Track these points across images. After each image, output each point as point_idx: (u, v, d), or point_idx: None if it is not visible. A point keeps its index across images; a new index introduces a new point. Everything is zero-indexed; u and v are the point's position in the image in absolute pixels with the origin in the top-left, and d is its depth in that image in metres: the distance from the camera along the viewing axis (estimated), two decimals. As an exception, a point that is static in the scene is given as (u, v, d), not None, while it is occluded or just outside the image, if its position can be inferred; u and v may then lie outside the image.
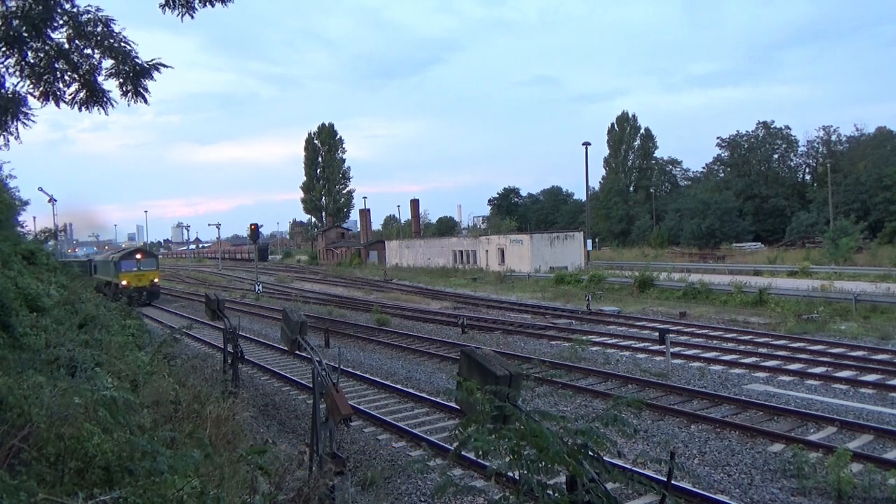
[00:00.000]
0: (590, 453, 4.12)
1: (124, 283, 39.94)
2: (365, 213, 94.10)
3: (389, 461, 10.75)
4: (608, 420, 4.29)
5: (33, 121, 8.02)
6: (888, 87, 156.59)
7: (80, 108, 7.95)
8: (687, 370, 16.58)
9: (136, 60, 7.66)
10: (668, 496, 4.25)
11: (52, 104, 7.90)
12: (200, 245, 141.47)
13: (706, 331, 22.36)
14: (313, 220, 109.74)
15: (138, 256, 42.75)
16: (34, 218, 60.35)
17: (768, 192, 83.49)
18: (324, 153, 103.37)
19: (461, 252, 62.17)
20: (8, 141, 8.07)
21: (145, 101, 7.86)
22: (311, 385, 11.34)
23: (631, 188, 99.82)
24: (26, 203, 32.25)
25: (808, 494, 8.90)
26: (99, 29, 7.49)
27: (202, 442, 6.45)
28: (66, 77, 7.75)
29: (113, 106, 7.95)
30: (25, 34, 7.25)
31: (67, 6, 7.43)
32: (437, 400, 13.99)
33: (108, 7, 7.49)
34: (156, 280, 42.44)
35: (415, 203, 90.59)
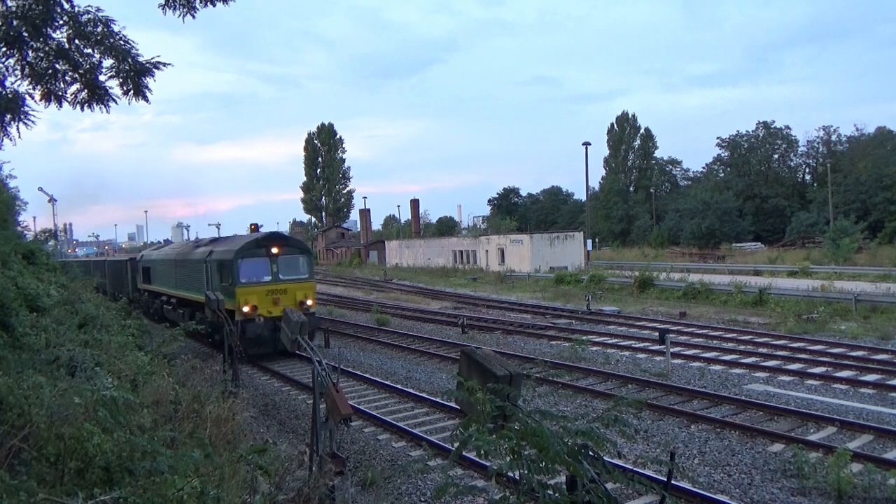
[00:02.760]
0: (590, 453, 4.12)
1: (247, 309, 19.26)
2: (365, 213, 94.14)
3: (389, 461, 10.75)
4: (609, 421, 4.29)
5: (33, 122, 8.03)
6: (888, 87, 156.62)
7: (82, 108, 7.95)
8: (687, 370, 16.58)
9: (137, 59, 7.66)
10: (668, 496, 4.26)
11: (53, 104, 7.90)
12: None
13: (706, 331, 22.36)
14: (313, 220, 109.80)
15: (274, 251, 20.03)
16: (34, 218, 59.96)
17: (768, 192, 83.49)
18: (324, 153, 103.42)
19: (461, 252, 62.17)
20: (11, 138, 8.06)
21: (146, 99, 7.87)
22: (311, 385, 11.34)
23: (631, 188, 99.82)
24: (17, 198, 30.84)
25: (808, 494, 8.90)
26: (99, 29, 7.49)
27: (202, 442, 6.45)
28: (68, 77, 7.75)
29: (116, 103, 7.96)
30: (25, 34, 7.25)
31: (67, 6, 7.43)
32: (438, 400, 13.99)
33: (108, 7, 7.50)
34: (310, 302, 20.09)
35: (415, 203, 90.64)
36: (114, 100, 7.92)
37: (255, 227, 28.48)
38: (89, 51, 7.66)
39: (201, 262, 21.77)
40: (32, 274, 15.51)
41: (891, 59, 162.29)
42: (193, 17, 7.81)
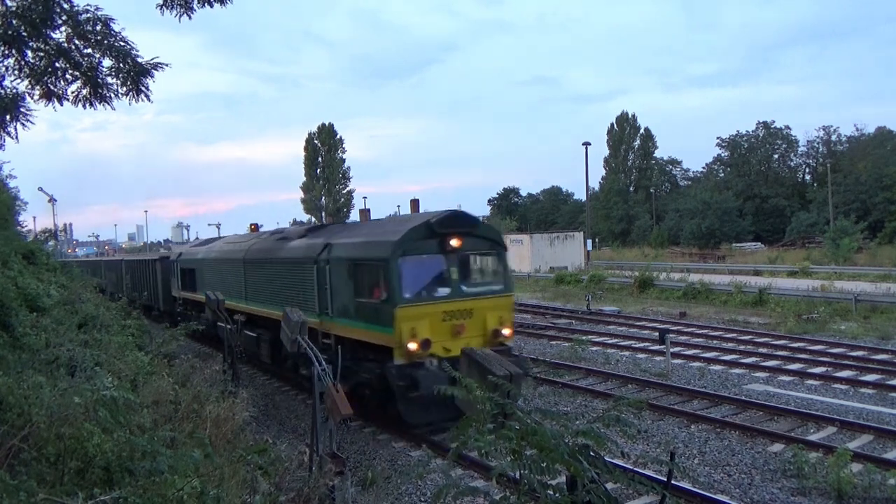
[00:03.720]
0: (590, 453, 4.12)
1: (415, 346, 10.80)
2: (365, 213, 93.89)
3: (389, 461, 10.75)
4: (610, 421, 4.30)
5: (31, 122, 8.02)
6: (888, 87, 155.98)
7: (84, 106, 7.95)
8: (687, 370, 16.58)
9: (136, 59, 7.66)
10: (668, 496, 4.26)
11: (53, 103, 7.90)
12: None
13: (706, 331, 22.35)
14: (313, 220, 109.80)
15: (454, 244, 11.61)
16: (34, 218, 59.86)
17: (768, 192, 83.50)
18: (324, 153, 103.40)
19: (461, 252, 61.93)
20: (6, 140, 8.07)
21: (148, 98, 7.86)
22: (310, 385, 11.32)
23: (631, 188, 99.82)
24: (17, 198, 29.48)
25: (808, 494, 8.90)
26: (98, 28, 7.49)
27: (202, 442, 6.45)
28: (68, 75, 7.75)
29: (119, 98, 7.95)
30: (25, 34, 7.25)
31: (66, 6, 7.42)
32: (437, 400, 13.92)
33: (107, 7, 7.49)
34: (506, 332, 12.25)
35: (415, 203, 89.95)
36: (117, 95, 7.91)
37: (255, 227, 25.48)
38: (89, 51, 7.66)
39: (307, 262, 13.78)
40: (32, 274, 15.52)
41: (891, 59, 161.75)
42: (190, 17, 7.81)
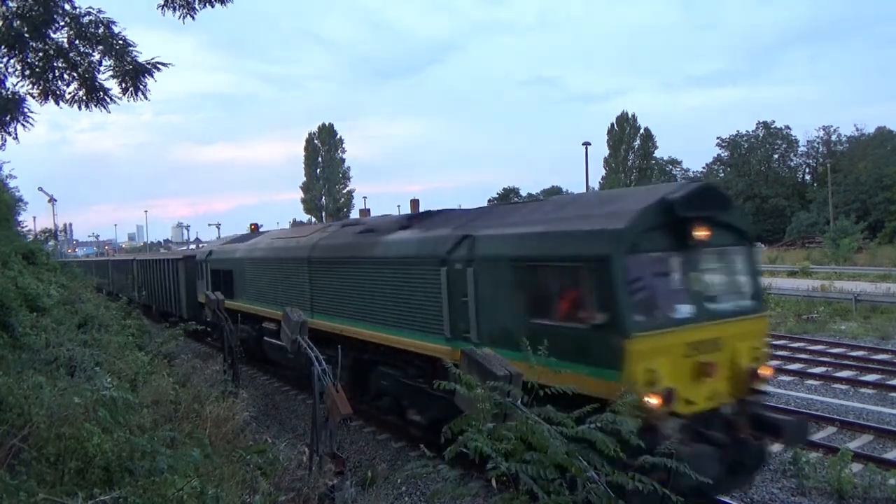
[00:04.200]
0: (590, 453, 4.13)
1: (656, 400, 6.52)
2: (365, 214, 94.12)
3: (389, 461, 10.75)
4: (608, 421, 4.30)
5: (32, 123, 8.04)
6: (888, 87, 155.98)
7: (80, 107, 7.96)
8: (687, 370, 16.56)
9: (137, 60, 7.67)
10: (668, 495, 4.26)
11: (51, 104, 7.92)
12: (200, 245, 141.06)
13: (706, 331, 22.31)
14: (313, 220, 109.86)
15: (699, 234, 7.33)
16: (34, 218, 59.80)
17: (768, 192, 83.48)
18: (324, 153, 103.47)
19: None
20: (5, 141, 8.08)
21: (146, 97, 7.87)
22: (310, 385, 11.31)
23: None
24: (20, 199, 28.94)
25: (808, 494, 8.89)
26: (100, 31, 7.50)
27: (202, 442, 6.46)
28: (66, 76, 7.76)
29: (117, 103, 7.96)
30: (26, 35, 7.26)
31: (68, 7, 7.44)
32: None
33: (107, 6, 7.51)
34: (766, 372, 7.77)
35: (415, 203, 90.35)
36: (113, 100, 7.92)
37: (255, 228, 23.92)
38: (89, 51, 7.68)
39: (429, 262, 9.88)
40: (32, 274, 15.52)
41: (891, 59, 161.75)
42: (193, 17, 7.82)
